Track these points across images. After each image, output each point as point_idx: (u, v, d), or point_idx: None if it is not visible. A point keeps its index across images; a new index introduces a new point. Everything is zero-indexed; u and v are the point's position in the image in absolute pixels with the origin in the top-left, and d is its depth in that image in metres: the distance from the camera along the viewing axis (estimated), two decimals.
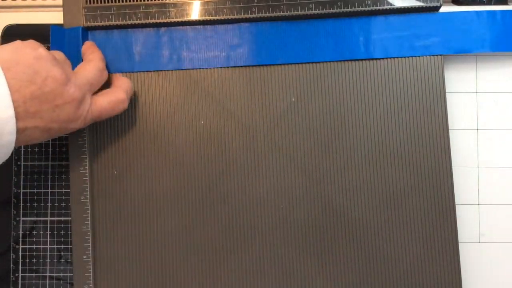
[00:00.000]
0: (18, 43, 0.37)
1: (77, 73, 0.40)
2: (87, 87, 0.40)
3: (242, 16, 0.45)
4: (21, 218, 0.47)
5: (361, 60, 0.45)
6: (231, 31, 0.45)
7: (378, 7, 0.44)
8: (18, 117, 0.34)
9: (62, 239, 0.46)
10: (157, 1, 0.45)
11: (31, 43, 0.37)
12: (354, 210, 0.44)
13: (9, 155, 0.36)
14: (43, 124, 0.36)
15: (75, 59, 0.44)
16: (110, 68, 0.45)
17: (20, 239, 0.47)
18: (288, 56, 0.45)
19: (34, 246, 0.46)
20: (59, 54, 0.41)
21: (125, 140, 0.45)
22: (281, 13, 0.44)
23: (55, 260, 0.46)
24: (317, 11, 0.44)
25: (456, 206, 0.44)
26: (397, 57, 0.45)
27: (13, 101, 0.34)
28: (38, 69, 0.36)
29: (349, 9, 0.44)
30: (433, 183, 0.44)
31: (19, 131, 0.35)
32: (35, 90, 0.35)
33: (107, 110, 0.41)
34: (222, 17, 0.45)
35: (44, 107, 0.36)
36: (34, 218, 0.47)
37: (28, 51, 0.36)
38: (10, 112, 0.34)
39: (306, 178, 0.45)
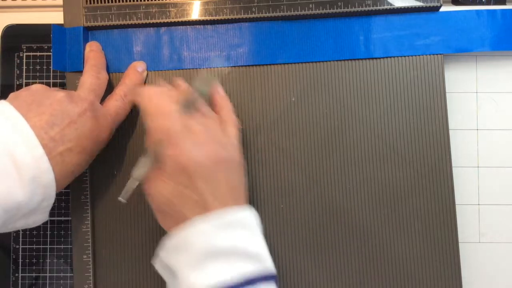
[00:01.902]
0: (14, 93, 0.39)
1: (79, 86, 0.42)
2: (92, 96, 0.41)
3: (242, 16, 0.45)
4: None
5: (361, 59, 0.45)
6: (231, 31, 0.45)
7: (378, 7, 0.44)
8: (48, 147, 0.36)
9: (62, 239, 0.46)
10: (157, 1, 0.45)
11: (24, 89, 0.39)
12: (354, 210, 0.44)
13: (54, 196, 0.37)
14: (74, 144, 0.38)
15: (76, 58, 0.45)
16: (110, 68, 0.46)
17: (20, 239, 0.47)
18: (288, 55, 0.45)
19: (34, 246, 0.46)
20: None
21: (125, 140, 0.45)
22: (281, 13, 0.44)
23: (55, 260, 0.46)
24: (317, 11, 0.44)
25: (456, 206, 0.44)
26: (397, 56, 0.45)
27: (37, 136, 0.36)
28: (40, 100, 0.38)
29: (349, 9, 0.44)
30: (433, 183, 0.44)
31: (57, 160, 0.37)
32: (48, 118, 0.37)
33: (120, 107, 0.43)
34: (222, 17, 0.45)
35: (65, 129, 0.37)
36: None
37: (24, 93, 0.38)
38: (40, 150, 0.36)
39: (306, 177, 0.45)
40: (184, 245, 0.35)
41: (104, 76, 0.43)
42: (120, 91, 0.43)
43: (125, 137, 0.45)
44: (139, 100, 0.38)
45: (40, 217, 0.38)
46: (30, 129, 0.36)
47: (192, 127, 0.37)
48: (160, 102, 0.37)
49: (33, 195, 0.35)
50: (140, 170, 0.38)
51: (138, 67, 0.45)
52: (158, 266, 0.38)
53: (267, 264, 0.36)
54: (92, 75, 0.42)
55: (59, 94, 0.39)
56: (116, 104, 0.43)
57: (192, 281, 0.34)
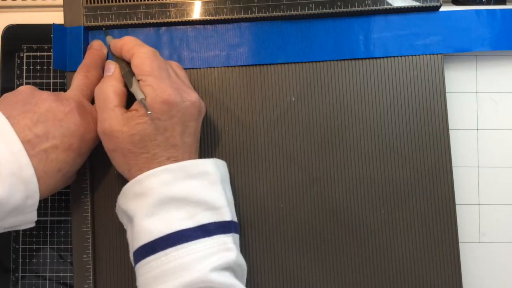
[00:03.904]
0: (2, 96, 0.40)
1: (70, 86, 0.42)
2: (79, 95, 0.41)
3: (242, 16, 0.45)
4: None
5: (361, 59, 0.45)
6: (231, 31, 0.45)
7: (378, 7, 0.44)
8: (32, 143, 0.36)
9: (62, 239, 0.46)
10: (157, 1, 0.45)
11: (11, 92, 0.40)
12: (354, 210, 0.44)
13: (38, 192, 0.37)
14: (59, 141, 0.38)
15: (76, 58, 0.45)
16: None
17: (20, 239, 0.47)
18: (288, 55, 0.45)
19: (34, 246, 0.46)
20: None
21: None
22: (281, 13, 0.44)
23: (55, 260, 0.46)
24: (317, 11, 0.44)
25: (456, 206, 0.44)
26: (397, 56, 0.45)
27: (18, 133, 0.36)
28: (25, 99, 0.38)
29: (349, 9, 0.44)
30: (433, 183, 0.44)
31: (41, 156, 0.37)
32: (32, 116, 0.37)
33: None
34: (222, 17, 0.45)
35: (49, 126, 0.38)
36: None
37: (11, 94, 0.39)
38: (18, 145, 0.36)
39: (306, 177, 0.45)
40: (143, 193, 0.37)
41: (94, 75, 0.43)
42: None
43: None
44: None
45: (29, 217, 0.38)
46: (8, 125, 0.36)
47: (170, 75, 0.39)
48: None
49: (13, 190, 0.35)
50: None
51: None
52: (118, 212, 0.41)
53: (223, 212, 0.38)
54: (81, 75, 0.42)
55: (45, 94, 0.39)
56: None
57: (145, 226, 0.36)
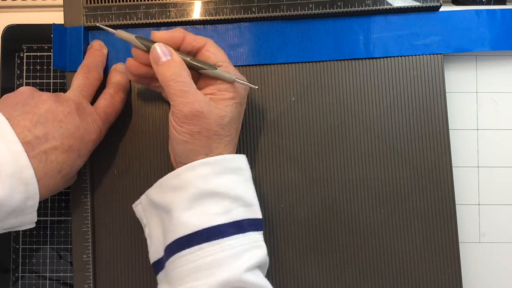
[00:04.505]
0: (3, 96, 0.40)
1: (70, 87, 0.42)
2: (79, 96, 0.41)
3: (242, 16, 0.45)
4: None
5: (361, 59, 0.45)
6: (231, 31, 0.45)
7: (378, 7, 0.44)
8: (31, 144, 0.36)
9: (62, 239, 0.46)
10: (157, 1, 0.45)
11: (11, 92, 0.40)
12: (354, 210, 0.44)
13: (38, 193, 0.37)
14: (59, 143, 0.38)
15: (76, 58, 0.45)
16: (110, 68, 0.46)
17: (20, 239, 0.47)
18: (288, 55, 0.45)
19: (34, 246, 0.46)
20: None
21: (125, 140, 0.45)
22: (281, 13, 0.44)
23: (55, 260, 0.46)
24: (317, 11, 0.44)
25: (456, 206, 0.44)
26: (397, 56, 0.45)
27: (18, 134, 0.36)
28: (26, 100, 0.38)
29: (349, 9, 0.44)
30: (433, 183, 0.44)
31: (40, 157, 0.37)
32: (32, 117, 0.37)
33: (109, 106, 0.43)
34: (222, 17, 0.45)
35: (49, 127, 0.38)
36: None
37: (11, 95, 0.39)
38: (19, 146, 0.36)
39: (306, 177, 0.45)
40: (181, 186, 0.37)
41: (94, 76, 0.43)
42: (108, 89, 0.43)
43: (125, 137, 0.45)
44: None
45: (29, 218, 0.38)
46: (8, 126, 0.36)
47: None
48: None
49: (13, 191, 0.35)
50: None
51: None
52: (141, 206, 0.41)
53: (255, 210, 0.39)
54: (82, 75, 0.42)
55: (45, 95, 0.39)
56: (104, 103, 0.42)
57: (182, 219, 0.37)
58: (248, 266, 0.35)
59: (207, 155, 0.38)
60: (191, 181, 0.37)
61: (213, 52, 0.39)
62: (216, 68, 0.39)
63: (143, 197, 0.41)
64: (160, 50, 0.38)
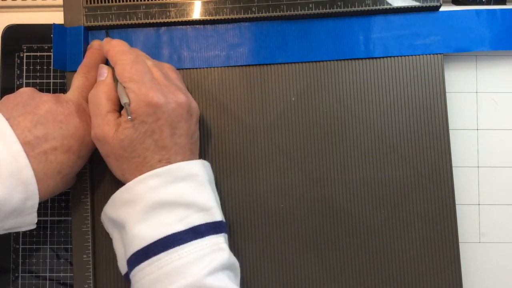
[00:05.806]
0: (3, 97, 0.40)
1: (70, 87, 0.42)
2: (79, 97, 0.41)
3: (242, 16, 0.45)
4: None
5: (361, 59, 0.45)
6: (231, 31, 0.45)
7: (378, 7, 0.44)
8: (31, 144, 0.37)
9: (62, 239, 0.46)
10: (157, 1, 0.45)
11: (12, 93, 0.40)
12: (354, 210, 0.44)
13: (37, 194, 0.37)
14: (59, 143, 0.38)
15: (76, 58, 0.45)
16: None
17: (20, 239, 0.47)
18: (288, 55, 0.45)
19: (34, 246, 0.46)
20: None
21: None
22: (281, 13, 0.44)
23: (55, 260, 0.46)
24: (317, 11, 0.44)
25: (456, 206, 0.44)
26: (397, 56, 0.45)
27: (18, 134, 0.36)
28: (26, 101, 0.38)
29: (349, 9, 0.44)
30: (433, 183, 0.44)
31: (40, 158, 0.37)
32: (32, 118, 0.37)
33: None
34: (222, 17, 0.45)
35: (49, 128, 0.38)
36: None
37: (12, 96, 0.39)
38: (18, 147, 0.36)
39: (306, 177, 0.45)
40: (133, 200, 0.37)
41: (93, 76, 0.43)
42: None
43: None
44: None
45: (29, 219, 0.38)
46: (8, 126, 0.36)
47: (155, 78, 0.39)
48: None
49: (13, 192, 0.35)
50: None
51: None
52: (104, 221, 0.42)
53: (213, 213, 0.38)
54: (81, 76, 0.42)
55: (45, 96, 0.39)
56: None
57: (136, 232, 0.36)
58: (210, 270, 0.35)
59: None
60: (141, 194, 0.37)
61: (118, 73, 0.39)
62: (118, 88, 0.39)
63: (102, 214, 0.41)
64: (100, 71, 0.41)
